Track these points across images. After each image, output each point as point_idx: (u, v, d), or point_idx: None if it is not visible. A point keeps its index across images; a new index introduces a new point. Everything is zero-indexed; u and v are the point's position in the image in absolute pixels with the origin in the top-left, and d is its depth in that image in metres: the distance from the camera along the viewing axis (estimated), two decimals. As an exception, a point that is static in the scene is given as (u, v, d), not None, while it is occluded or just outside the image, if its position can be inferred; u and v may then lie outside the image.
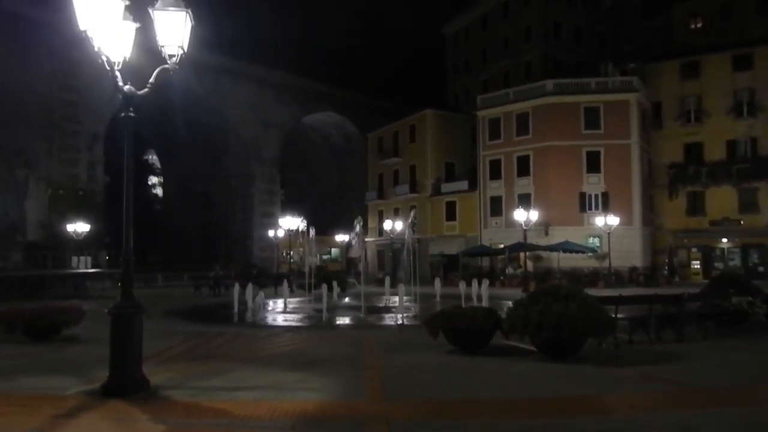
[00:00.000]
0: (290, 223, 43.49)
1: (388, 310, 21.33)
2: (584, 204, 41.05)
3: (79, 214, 39.86)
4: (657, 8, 54.65)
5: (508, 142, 44.12)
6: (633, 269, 38.30)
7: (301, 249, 56.46)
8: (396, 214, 50.75)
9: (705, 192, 43.44)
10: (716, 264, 42.32)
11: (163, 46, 7.31)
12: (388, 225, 43.62)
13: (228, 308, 21.01)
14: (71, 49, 40.83)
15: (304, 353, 10.90)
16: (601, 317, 9.72)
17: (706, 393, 7.62)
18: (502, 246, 40.25)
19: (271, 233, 52.10)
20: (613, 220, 36.76)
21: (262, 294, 22.00)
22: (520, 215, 34.58)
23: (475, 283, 23.07)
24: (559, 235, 39.16)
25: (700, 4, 50.64)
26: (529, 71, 54.55)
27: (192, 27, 7.41)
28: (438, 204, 49.66)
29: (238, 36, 79.78)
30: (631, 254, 38.87)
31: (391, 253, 49.70)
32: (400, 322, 17.21)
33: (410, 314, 19.24)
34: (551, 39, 54.88)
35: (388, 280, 29.35)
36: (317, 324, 17.52)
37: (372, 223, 56.63)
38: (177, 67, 7.50)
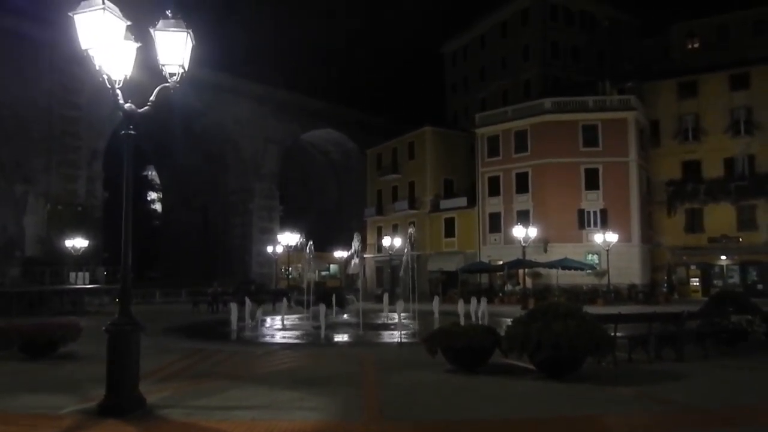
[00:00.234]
0: (289, 239, 43.46)
1: (386, 327, 21.25)
2: (583, 221, 41.09)
3: (77, 229, 39.82)
4: (654, 28, 55.17)
5: (506, 159, 44.27)
6: (632, 286, 38.25)
7: (300, 265, 56.38)
8: (395, 230, 50.76)
9: (703, 209, 43.53)
10: (715, 281, 42.30)
11: (163, 65, 7.36)
12: (386, 241, 43.60)
13: (226, 325, 20.91)
14: (72, 65, 41.04)
15: (301, 371, 10.85)
16: (600, 336, 9.69)
17: (706, 413, 7.59)
18: (500, 263, 40.21)
19: (269, 249, 52.05)
20: (612, 237, 36.77)
21: (260, 311, 21.91)
22: (518, 232, 34.60)
23: (473, 300, 23.00)
24: (558, 251, 39.16)
25: (697, 25, 51.11)
26: (527, 89, 54.90)
27: (192, 46, 7.47)
28: (437, 220, 49.69)
29: (238, 53, 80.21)
30: (630, 271, 38.85)
31: (389, 269, 49.63)
32: (398, 339, 17.12)
33: (409, 332, 19.16)
34: (549, 58, 55.31)
35: (386, 296, 29.24)
36: (315, 341, 17.44)
37: (371, 239, 56.60)
38: (177, 85, 7.56)
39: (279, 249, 47.35)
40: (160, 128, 56.47)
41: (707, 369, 10.82)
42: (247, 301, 22.96)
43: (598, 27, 58.18)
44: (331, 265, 64.94)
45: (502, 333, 10.60)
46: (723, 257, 42.66)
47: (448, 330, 10.93)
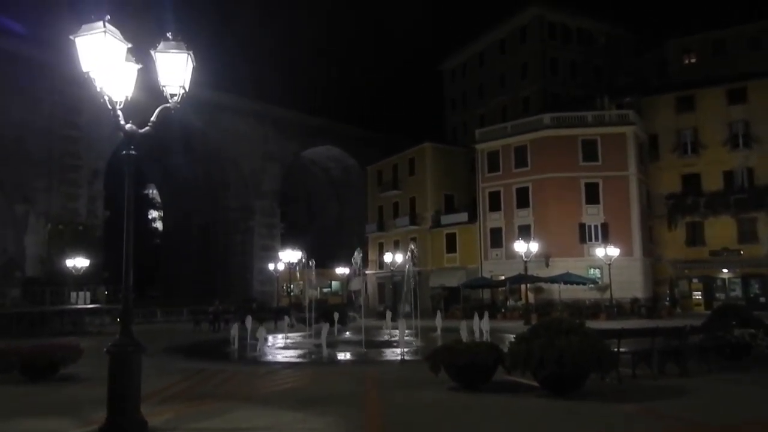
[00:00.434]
0: (290, 256, 43.43)
1: (389, 344, 21.15)
2: (584, 235, 41.08)
3: (78, 248, 39.79)
4: (651, 44, 55.54)
5: (507, 174, 44.34)
6: (634, 300, 38.14)
7: (302, 282, 56.30)
8: (396, 246, 50.71)
9: (704, 222, 43.50)
10: (718, 295, 42.15)
11: (164, 86, 7.40)
12: (388, 257, 43.56)
13: (228, 344, 20.83)
14: (73, 86, 41.29)
15: (304, 391, 10.78)
16: (604, 352, 9.64)
17: (711, 429, 7.52)
18: (502, 278, 40.15)
19: (271, 267, 51.98)
20: (614, 251, 36.71)
21: (262, 329, 21.82)
22: (520, 247, 34.59)
23: (476, 316, 22.93)
24: (560, 266, 39.09)
25: (693, 41, 51.43)
26: (526, 106, 55.17)
27: (193, 67, 7.51)
28: (438, 236, 49.66)
29: (238, 72, 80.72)
30: (632, 285, 38.75)
31: (391, 285, 49.54)
32: (401, 357, 17.04)
33: (411, 349, 19.07)
34: (548, 74, 55.66)
35: (389, 313, 29.19)
36: (317, 360, 17.36)
37: (372, 255, 56.54)
38: (178, 105, 7.59)
39: (280, 266, 47.29)
40: (161, 147, 56.69)
41: (711, 384, 10.75)
42: (249, 319, 22.88)
43: (596, 44, 58.61)
44: (333, 282, 64.86)
45: (505, 349, 10.55)
46: (725, 270, 42.55)
47: (450, 347, 10.88)
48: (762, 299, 40.25)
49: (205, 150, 60.20)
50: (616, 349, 11.00)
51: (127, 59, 7.31)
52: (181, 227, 69.02)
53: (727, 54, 48.99)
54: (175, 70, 7.35)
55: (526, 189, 43.20)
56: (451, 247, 48.78)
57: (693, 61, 51.32)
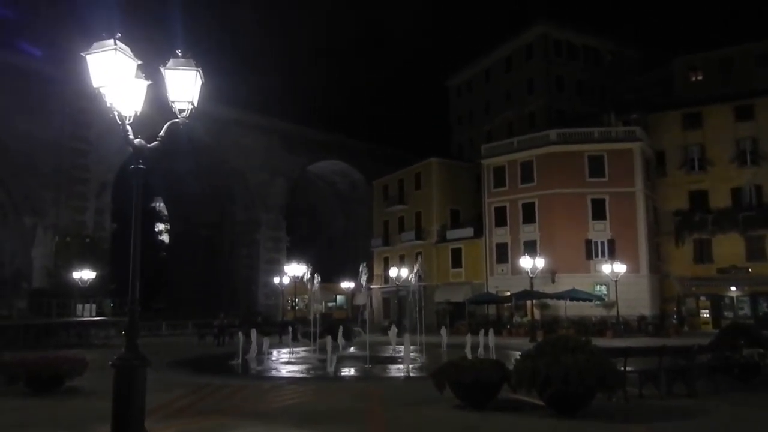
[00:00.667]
0: (295, 270, 43.37)
1: (393, 360, 21.06)
2: (590, 251, 40.91)
3: (85, 261, 39.93)
4: (657, 62, 55.65)
5: (513, 189, 44.33)
6: (641, 318, 37.85)
7: (307, 296, 56.19)
8: (402, 261, 50.64)
9: (711, 239, 43.28)
10: (726, 313, 41.74)
11: (173, 102, 7.46)
12: (393, 272, 43.46)
13: (232, 358, 20.80)
14: (82, 101, 41.70)
15: (308, 407, 10.74)
16: (610, 370, 9.56)
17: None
18: (508, 293, 39.95)
19: (276, 280, 51.88)
20: (620, 268, 36.50)
21: (266, 343, 21.78)
22: (526, 262, 34.44)
23: (482, 332, 22.82)
24: (566, 282, 38.89)
25: (699, 59, 51.47)
26: (532, 122, 55.29)
27: (202, 84, 7.57)
28: (443, 251, 49.57)
29: (246, 87, 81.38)
30: (638, 302, 38.50)
31: (396, 300, 49.40)
32: (406, 374, 16.95)
33: (416, 365, 18.97)
34: (554, 91, 55.83)
35: (394, 329, 29.07)
36: (322, 375, 17.30)
37: (377, 270, 56.44)
38: (187, 121, 7.64)
39: (285, 280, 47.24)
40: (169, 160, 57.02)
41: (719, 405, 10.64)
42: (254, 333, 22.84)
43: (602, 61, 58.83)
44: (338, 296, 64.71)
45: (511, 367, 10.49)
46: (733, 288, 42.21)
47: (456, 364, 10.81)
48: (770, 318, 39.86)
49: (212, 163, 60.48)
50: (622, 368, 10.92)
51: (136, 76, 7.38)
52: (187, 240, 69.19)
53: (734, 72, 48.97)
54: (184, 86, 7.41)
55: (532, 204, 43.14)
56: (456, 262, 48.67)
57: (700, 78, 51.34)
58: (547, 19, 57.28)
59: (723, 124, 43.64)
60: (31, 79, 44.00)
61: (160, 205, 78.89)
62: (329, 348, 18.84)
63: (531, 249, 40.22)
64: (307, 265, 44.18)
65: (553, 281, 39.61)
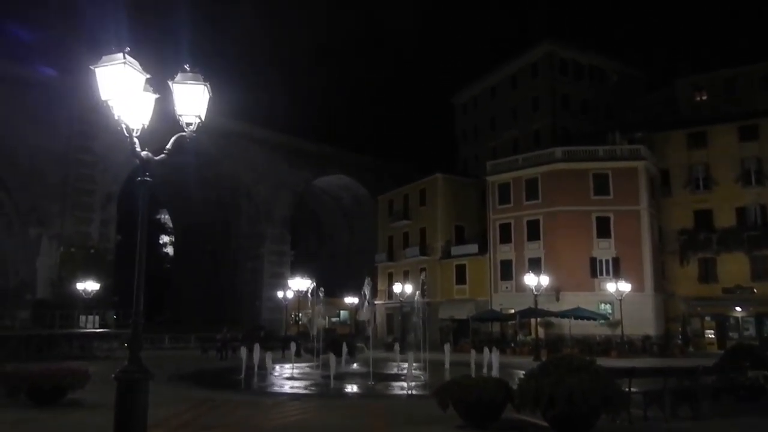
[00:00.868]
0: (299, 284, 43.30)
1: (396, 377, 20.94)
2: (595, 269, 40.76)
3: (89, 272, 39.94)
4: (662, 82, 55.91)
5: (517, 206, 44.30)
6: (646, 338, 37.56)
7: (310, 311, 56.01)
8: (406, 276, 50.51)
9: (716, 259, 43.07)
10: (731, 334, 41.42)
11: (181, 116, 7.50)
12: (397, 288, 43.34)
13: (235, 372, 20.72)
14: (89, 112, 41.93)
15: (309, 425, 10.67)
16: (615, 391, 9.48)
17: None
18: (512, 311, 39.75)
19: (280, 294, 51.81)
20: (625, 287, 36.33)
21: (269, 358, 21.67)
22: (530, 280, 34.33)
23: (485, 350, 22.68)
24: (570, 300, 38.70)
25: (704, 80, 51.65)
26: (537, 139, 55.45)
27: (209, 98, 7.61)
28: (448, 267, 49.45)
29: (252, 101, 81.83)
30: (643, 322, 38.23)
31: (400, 316, 49.17)
32: (409, 391, 16.83)
33: (419, 383, 18.85)
34: (559, 109, 56.03)
35: (397, 345, 28.93)
36: (324, 392, 17.20)
37: (381, 285, 56.31)
38: (194, 134, 7.67)
39: (289, 294, 47.14)
40: (174, 173, 57.21)
41: (724, 428, 10.52)
42: (257, 348, 22.76)
43: (607, 80, 59.09)
44: (342, 311, 64.45)
45: (515, 386, 10.40)
46: (738, 309, 41.90)
47: (459, 383, 10.74)
48: (776, 339, 39.53)
49: (217, 176, 60.65)
50: (627, 389, 10.82)
51: (145, 89, 7.43)
52: (191, 253, 69.21)
53: (739, 92, 49.10)
54: (192, 100, 7.45)
55: (536, 222, 43.08)
56: (460, 278, 48.52)
57: (704, 98, 51.48)
58: (553, 38, 57.71)
59: (728, 144, 43.64)
60: (39, 90, 44.37)
61: (165, 217, 79.07)
62: (332, 364, 18.76)
63: (535, 266, 40.10)
64: (311, 279, 44.19)
65: (558, 299, 39.44)
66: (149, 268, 7.42)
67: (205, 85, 7.48)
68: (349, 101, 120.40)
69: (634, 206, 41.21)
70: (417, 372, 21.36)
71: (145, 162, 7.57)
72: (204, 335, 38.00)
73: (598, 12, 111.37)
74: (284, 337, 40.88)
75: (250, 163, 59.87)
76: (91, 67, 7.07)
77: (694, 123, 45.73)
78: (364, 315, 54.35)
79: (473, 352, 22.42)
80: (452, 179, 53.01)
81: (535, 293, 34.06)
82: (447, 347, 26.64)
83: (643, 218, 41.18)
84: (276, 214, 62.15)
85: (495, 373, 19.31)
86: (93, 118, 42.50)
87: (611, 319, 37.85)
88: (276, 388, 18.05)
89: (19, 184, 44.08)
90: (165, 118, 7.91)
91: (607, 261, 40.83)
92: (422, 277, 39.65)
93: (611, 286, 36.82)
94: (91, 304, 38.61)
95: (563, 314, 36.90)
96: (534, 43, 58.15)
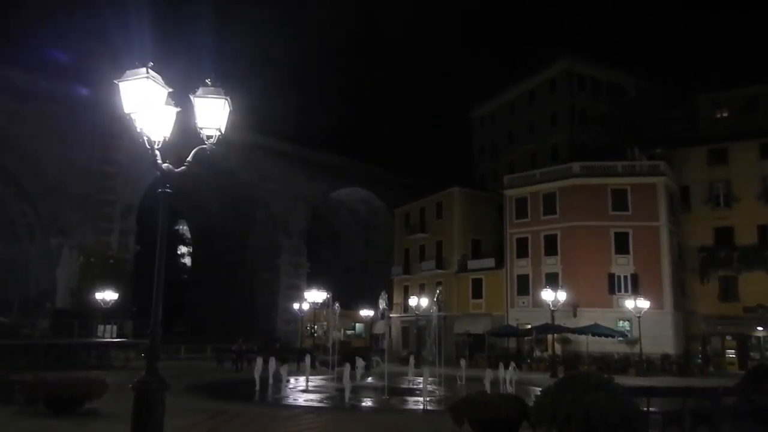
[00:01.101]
0: (315, 296, 43.36)
1: (411, 392, 20.84)
2: (613, 285, 40.32)
3: (108, 282, 40.34)
4: (680, 98, 55.43)
5: (535, 221, 44.07)
6: (665, 356, 37.00)
7: (326, 323, 56.01)
8: (422, 290, 50.34)
9: (737, 277, 42.38)
10: (752, 354, 40.67)
11: (201, 129, 7.61)
12: (413, 301, 43.22)
13: (250, 384, 20.73)
14: (111, 124, 42.59)
15: (324, 437, 10.64)
16: (634, 411, 9.33)
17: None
18: (529, 326, 39.42)
19: (295, 306, 51.88)
20: (644, 304, 35.89)
21: (284, 370, 21.68)
22: (547, 295, 34.06)
23: (501, 366, 22.50)
24: (588, 317, 38.29)
25: (724, 97, 51.18)
26: (555, 154, 55.26)
27: (230, 112, 7.71)
28: (464, 281, 49.21)
29: (271, 114, 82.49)
30: (662, 340, 37.69)
31: (416, 330, 48.95)
32: (424, 407, 16.74)
33: (434, 398, 18.74)
34: (577, 124, 55.86)
35: (412, 359, 28.82)
36: (339, 405, 17.16)
37: (397, 298, 56.14)
38: (214, 147, 7.77)
39: (305, 306, 47.20)
40: (193, 185, 57.79)
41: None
42: (272, 360, 22.78)
43: (626, 96, 58.83)
44: (357, 324, 64.41)
45: (531, 403, 10.30)
46: (759, 328, 41.12)
47: (475, 399, 10.66)
48: (799, 360, 38.72)
49: (235, 189, 61.13)
50: (645, 408, 10.66)
51: (166, 103, 7.55)
52: (208, 264, 69.66)
53: (759, 110, 48.54)
54: (213, 113, 7.57)
55: (554, 236, 42.80)
56: (477, 292, 48.26)
57: (725, 115, 51.01)
58: (572, 54, 57.62)
59: (749, 161, 43.11)
60: (64, 105, 45.17)
61: (183, 228, 79.73)
62: (347, 377, 18.72)
63: (553, 281, 39.75)
64: (327, 291, 44.25)
65: (575, 315, 39.03)
66: (167, 278, 7.47)
67: (225, 99, 7.59)
68: (365, 115, 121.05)
69: (653, 222, 40.79)
70: (432, 387, 21.24)
71: (167, 174, 7.67)
72: (220, 346, 38.11)
73: (617, 28, 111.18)
74: (299, 349, 40.87)
75: (268, 176, 60.29)
76: (115, 82, 7.21)
77: (715, 139, 45.25)
78: (379, 328, 54.38)
79: (489, 367, 22.24)
80: (469, 193, 52.89)
81: (552, 309, 33.76)
82: (463, 362, 26.49)
83: (662, 234, 40.73)
84: (292, 226, 62.42)
85: (511, 389, 19.17)
86: (115, 130, 43.16)
87: (629, 336, 37.38)
88: (291, 401, 18.06)
89: (42, 195, 44.80)
90: (185, 131, 8.03)
91: (625, 277, 40.39)
92: (438, 290, 39.53)
93: (630, 303, 36.41)
94: (109, 313, 38.96)
95: (581, 331, 36.52)
96: (552, 59, 58.14)
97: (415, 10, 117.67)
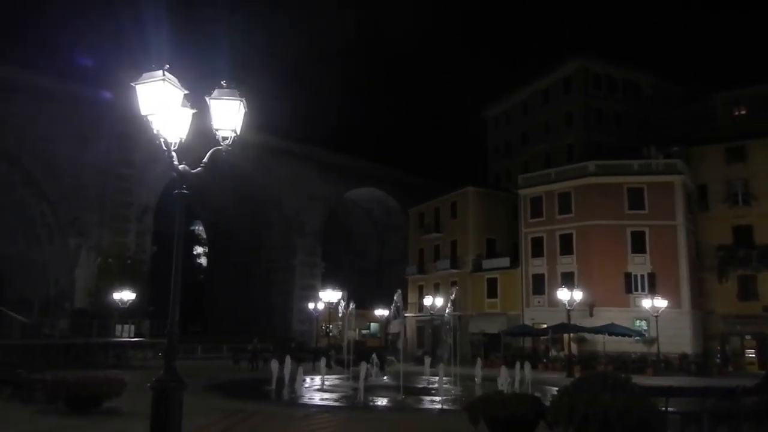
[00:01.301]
0: (330, 296, 43.47)
1: (427, 391, 20.82)
2: (630, 285, 40.00)
3: (125, 282, 40.74)
4: (696, 96, 54.81)
5: (550, 220, 43.85)
6: (683, 356, 36.65)
7: (340, 323, 56.16)
8: (436, 289, 50.30)
9: (757, 276, 41.82)
10: (772, 353, 40.15)
11: (217, 130, 7.67)
12: (428, 301, 43.17)
13: (266, 383, 20.84)
14: (127, 125, 42.98)
15: (341, 437, 10.68)
16: (652, 411, 9.25)
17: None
18: (544, 326, 39.23)
19: (311, 306, 52.10)
20: (661, 303, 35.58)
21: (300, 369, 21.75)
22: (563, 294, 33.87)
23: (517, 365, 22.43)
24: (604, 316, 38.00)
25: (743, 94, 50.44)
26: (570, 153, 54.90)
27: (245, 113, 7.76)
28: (479, 280, 49.09)
29: (286, 115, 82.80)
30: (680, 339, 37.34)
31: (430, 329, 48.97)
32: (439, 406, 16.72)
33: (450, 397, 18.71)
34: (592, 123, 55.48)
35: (427, 359, 28.80)
36: (354, 404, 17.19)
37: (412, 298, 56.14)
38: (230, 149, 7.82)
39: (320, 306, 47.33)
40: (208, 186, 58.15)
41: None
42: (288, 359, 22.88)
43: (641, 94, 58.32)
44: (372, 324, 64.47)
45: (547, 403, 10.25)
46: (780, 327, 40.63)
47: (490, 398, 10.64)
48: (820, 360, 38.18)
49: (250, 188, 61.42)
50: (664, 409, 10.57)
51: (182, 104, 7.62)
52: (224, 264, 70.11)
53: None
54: (228, 115, 7.63)
55: (569, 236, 42.55)
56: (492, 292, 48.11)
57: (743, 113, 50.37)
58: (586, 52, 57.27)
59: (768, 159, 42.56)
60: (81, 104, 45.66)
61: (199, 229, 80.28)
62: (362, 377, 18.75)
63: (568, 281, 39.55)
64: (342, 291, 44.35)
65: (591, 315, 38.80)
66: (183, 278, 7.53)
67: (240, 101, 7.64)
68: (380, 116, 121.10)
69: (670, 221, 40.41)
70: (448, 386, 21.23)
71: (183, 175, 7.73)
72: (236, 346, 38.34)
73: (631, 26, 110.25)
74: (315, 348, 40.99)
75: (282, 176, 60.50)
76: (132, 84, 7.29)
77: (733, 137, 44.70)
78: (394, 328, 54.39)
79: (504, 367, 22.16)
80: (483, 192, 52.76)
81: (568, 308, 33.58)
82: (479, 361, 26.42)
83: (679, 233, 40.34)
84: (307, 226, 62.61)
85: (527, 388, 19.10)
86: (130, 132, 43.56)
87: (647, 336, 37.08)
88: (306, 400, 18.11)
89: (61, 197, 45.32)
90: (201, 133, 8.10)
91: (642, 276, 40.05)
92: (453, 290, 39.48)
93: (647, 303, 36.12)
94: (126, 313, 39.34)
95: (597, 330, 36.27)
96: (566, 58, 57.77)
97: (417, 11, 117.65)
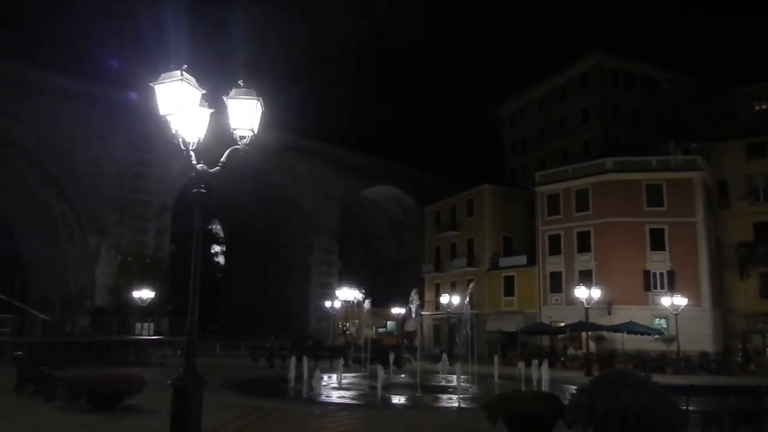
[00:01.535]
0: (347, 294, 43.54)
1: (444, 389, 20.80)
2: (649, 282, 39.62)
3: (145, 281, 41.14)
4: (715, 91, 54.04)
5: (567, 217, 43.54)
6: (704, 354, 36.22)
7: (357, 321, 56.25)
8: (453, 287, 50.18)
9: (779, 273, 41.23)
10: (795, 351, 39.57)
11: (234, 129, 7.72)
12: (444, 299, 43.08)
13: (284, 381, 20.94)
14: (146, 125, 43.37)
15: (358, 434, 10.70)
16: (673, 410, 9.16)
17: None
18: (562, 324, 38.97)
19: (327, 304, 52.23)
20: (681, 301, 35.19)
21: (317, 367, 21.82)
22: (581, 293, 33.59)
23: (534, 364, 22.32)
24: (623, 314, 37.67)
25: (763, 89, 49.79)
26: (587, 150, 54.55)
27: (262, 112, 7.81)
28: (496, 278, 48.90)
29: (304, 114, 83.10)
30: (700, 338, 36.92)
31: (447, 327, 48.87)
32: (457, 404, 16.70)
33: (468, 396, 18.67)
34: (609, 119, 55.05)
35: (445, 357, 28.76)
36: (372, 402, 17.22)
37: (428, 296, 56.09)
38: (247, 148, 7.87)
39: (337, 304, 47.43)
40: (226, 184, 58.52)
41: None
42: (305, 358, 22.97)
43: (659, 90, 57.70)
44: (389, 322, 64.52)
45: (566, 401, 10.19)
46: (802, 325, 40.03)
47: (509, 397, 10.59)
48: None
49: (267, 188, 61.71)
50: (685, 407, 10.47)
51: (200, 104, 7.67)
52: (241, 262, 70.48)
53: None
54: (245, 114, 7.68)
55: (587, 233, 42.22)
56: (509, 290, 47.90)
57: (764, 107, 49.61)
58: (603, 48, 56.77)
59: (790, 154, 41.89)
60: (100, 105, 46.18)
61: (216, 228, 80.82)
62: (380, 375, 18.77)
63: (586, 279, 39.24)
64: (359, 289, 44.41)
65: (609, 313, 38.48)
66: (201, 277, 7.60)
67: (257, 100, 7.69)
68: (395, 113, 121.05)
69: (689, 218, 39.95)
70: (465, 384, 21.18)
71: (201, 174, 7.79)
72: (253, 344, 38.57)
73: (648, 21, 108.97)
74: (332, 346, 41.10)
75: (299, 175, 60.73)
76: (151, 84, 7.36)
77: (754, 133, 44.05)
78: (411, 326, 54.35)
79: (522, 365, 22.07)
80: (500, 190, 52.53)
81: (586, 306, 33.33)
82: (496, 359, 26.33)
83: (699, 230, 39.86)
84: (324, 224, 62.77)
85: (545, 387, 19.01)
86: (149, 131, 43.96)
87: (666, 334, 36.69)
88: (324, 398, 18.17)
89: (81, 196, 45.86)
90: (219, 132, 8.15)
91: (661, 274, 39.65)
92: (470, 288, 39.30)
93: (666, 301, 35.76)
94: (146, 311, 39.73)
95: (615, 328, 35.97)
96: (583, 54, 57.35)
97: (431, 8, 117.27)
